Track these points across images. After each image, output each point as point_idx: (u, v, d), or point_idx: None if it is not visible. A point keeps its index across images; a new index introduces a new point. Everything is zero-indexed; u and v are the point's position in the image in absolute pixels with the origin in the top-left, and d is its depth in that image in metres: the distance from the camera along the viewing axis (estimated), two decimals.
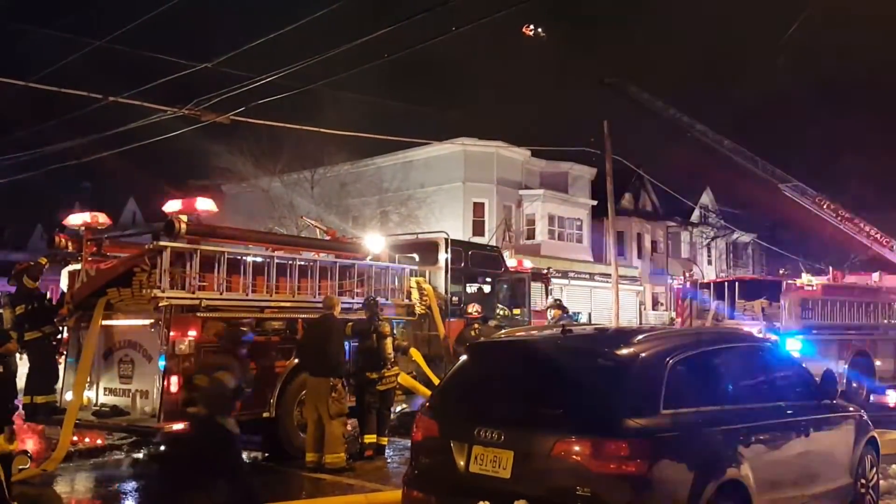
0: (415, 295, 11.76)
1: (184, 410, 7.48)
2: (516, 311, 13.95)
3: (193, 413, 7.11)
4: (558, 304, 13.29)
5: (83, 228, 9.79)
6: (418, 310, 11.82)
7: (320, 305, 9.54)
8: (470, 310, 11.74)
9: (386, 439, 9.96)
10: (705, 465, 4.90)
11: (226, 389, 6.96)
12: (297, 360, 9.39)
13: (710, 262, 47.13)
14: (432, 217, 31.48)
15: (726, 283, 16.51)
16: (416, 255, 12.77)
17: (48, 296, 11.00)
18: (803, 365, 7.17)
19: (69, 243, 9.98)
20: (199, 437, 7.07)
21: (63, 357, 9.85)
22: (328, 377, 8.92)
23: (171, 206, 8.90)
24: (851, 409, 7.03)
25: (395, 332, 10.55)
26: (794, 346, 13.74)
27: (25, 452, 8.42)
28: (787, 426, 5.91)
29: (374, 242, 11.63)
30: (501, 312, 13.47)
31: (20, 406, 10.05)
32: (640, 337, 5.45)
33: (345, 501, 7.67)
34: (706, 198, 47.94)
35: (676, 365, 5.17)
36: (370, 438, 9.67)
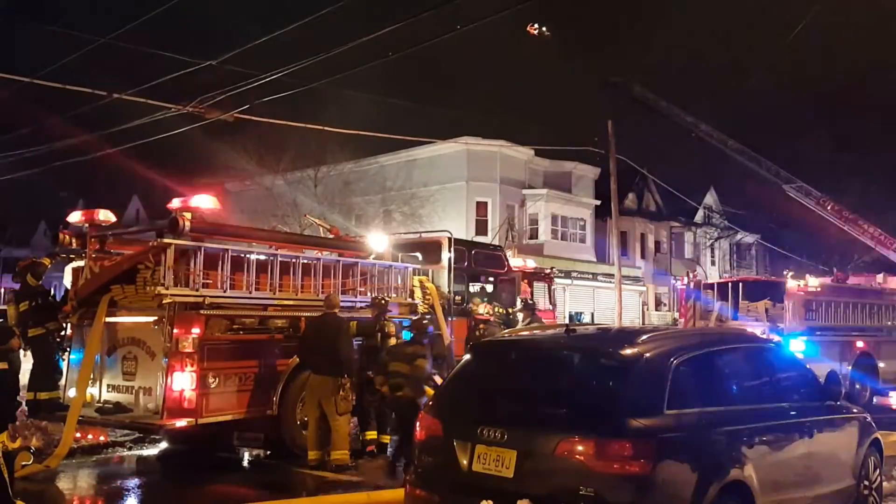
0: (418, 294, 11.74)
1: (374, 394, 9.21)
2: (510, 310, 13.90)
3: (400, 396, 8.70)
4: (526, 306, 12.49)
5: (87, 225, 9.79)
6: (421, 309, 11.80)
7: (321, 304, 9.52)
8: (480, 310, 11.68)
9: (388, 437, 9.94)
10: (709, 466, 4.89)
11: (424, 374, 8.71)
12: (298, 359, 9.37)
13: (713, 263, 47.07)
14: (435, 216, 31.48)
15: (730, 284, 16.49)
16: (419, 254, 12.75)
17: (52, 292, 11.02)
18: (807, 366, 7.15)
19: (73, 240, 9.99)
20: (406, 415, 8.43)
21: (66, 354, 9.86)
22: (336, 375, 8.87)
23: (176, 203, 8.89)
24: (855, 410, 7.01)
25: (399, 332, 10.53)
26: (797, 348, 13.70)
27: (28, 449, 8.43)
28: (791, 427, 5.89)
29: (378, 241, 11.62)
30: (500, 311, 13.40)
31: (23, 402, 10.09)
32: (644, 337, 5.43)
33: (347, 499, 7.67)
34: (710, 198, 47.87)
35: (680, 365, 5.16)
36: (371, 435, 9.67)
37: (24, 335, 9.63)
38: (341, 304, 9.64)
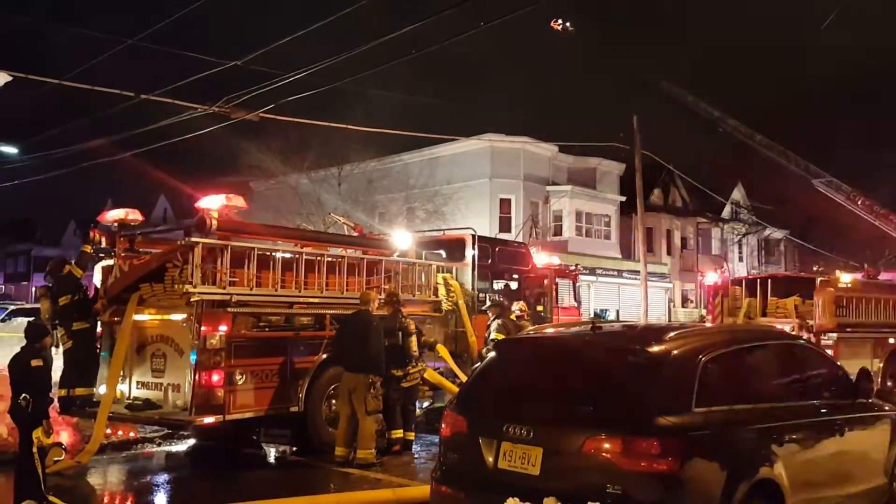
0: (442, 291, 11.74)
1: None
2: (539, 308, 13.84)
3: None
4: (495, 304, 11.70)
5: (116, 225, 9.93)
6: (445, 306, 11.80)
7: (352, 301, 9.53)
8: (514, 308, 11.61)
9: (413, 434, 9.96)
10: (738, 465, 4.84)
11: None
12: (329, 355, 9.39)
13: (741, 259, 46.54)
14: (459, 213, 31.46)
15: (758, 281, 16.28)
16: (442, 252, 12.75)
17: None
18: (838, 363, 7.04)
19: (103, 239, 10.13)
20: None
21: (98, 351, 10.01)
22: (368, 373, 8.87)
23: (203, 202, 8.98)
24: (887, 408, 6.87)
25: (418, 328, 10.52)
26: (828, 344, 13.49)
27: (60, 445, 8.56)
28: (822, 425, 5.81)
29: (402, 239, 11.64)
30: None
31: (55, 399, 10.25)
32: (671, 334, 5.38)
33: (373, 496, 7.69)
34: (737, 193, 47.31)
35: (709, 362, 5.10)
36: (397, 433, 9.67)
37: (68, 329, 9.73)
38: None
